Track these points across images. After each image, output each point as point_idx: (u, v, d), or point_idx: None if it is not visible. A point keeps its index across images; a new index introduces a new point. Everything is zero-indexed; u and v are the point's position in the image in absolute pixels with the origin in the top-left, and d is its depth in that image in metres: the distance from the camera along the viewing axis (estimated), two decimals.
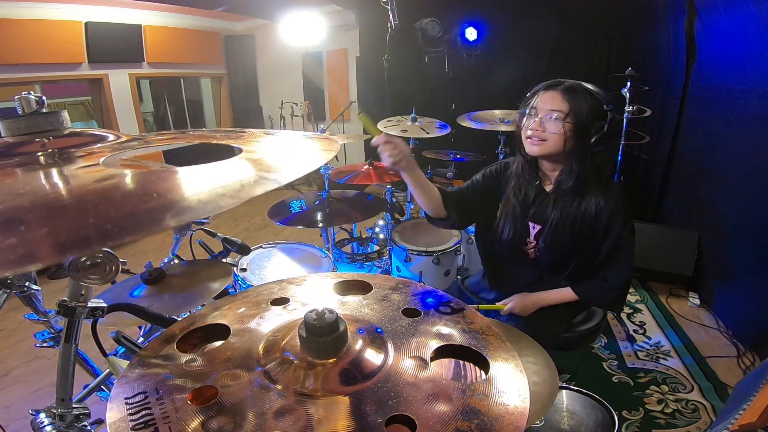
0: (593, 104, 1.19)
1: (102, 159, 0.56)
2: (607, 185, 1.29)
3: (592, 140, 1.19)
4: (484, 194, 1.46)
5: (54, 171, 0.53)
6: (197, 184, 0.47)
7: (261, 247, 2.04)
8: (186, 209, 0.39)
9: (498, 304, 1.45)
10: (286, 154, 0.64)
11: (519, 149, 1.34)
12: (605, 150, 1.23)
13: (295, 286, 0.81)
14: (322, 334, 0.57)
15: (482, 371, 0.59)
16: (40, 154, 0.59)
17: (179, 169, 0.49)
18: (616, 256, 1.30)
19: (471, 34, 3.82)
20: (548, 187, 1.34)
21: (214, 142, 0.63)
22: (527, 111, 1.26)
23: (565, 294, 1.40)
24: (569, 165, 1.25)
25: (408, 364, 0.58)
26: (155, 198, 0.42)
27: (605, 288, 1.34)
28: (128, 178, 0.47)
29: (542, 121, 1.22)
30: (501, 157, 2.64)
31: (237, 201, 0.41)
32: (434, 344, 0.62)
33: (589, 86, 1.21)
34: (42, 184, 0.50)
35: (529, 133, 1.24)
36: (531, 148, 1.25)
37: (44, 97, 0.68)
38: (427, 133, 2.48)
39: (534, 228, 1.37)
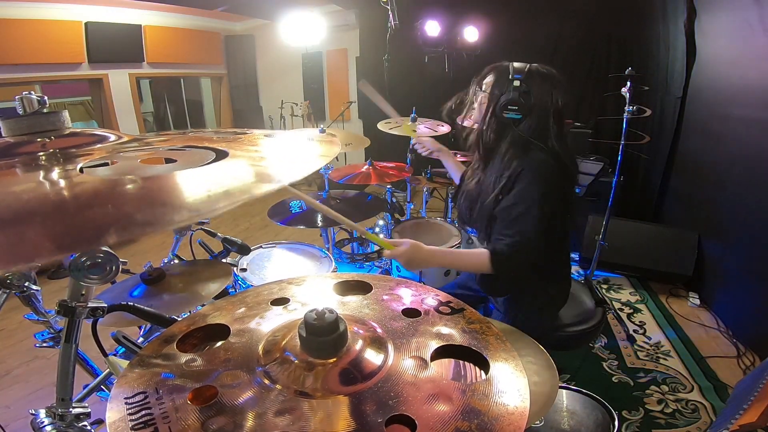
0: (502, 76, 1.31)
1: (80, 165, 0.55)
2: (531, 154, 1.26)
3: (499, 105, 1.29)
4: None
5: (55, 171, 0.53)
6: (197, 184, 0.47)
7: (261, 247, 2.04)
8: (187, 210, 0.39)
9: (387, 242, 1.25)
10: (288, 155, 0.63)
11: None
12: (525, 120, 1.27)
13: (295, 286, 0.81)
14: (322, 333, 0.57)
15: (482, 371, 0.59)
16: (41, 154, 0.59)
17: (180, 170, 0.49)
18: (512, 211, 1.22)
19: (471, 34, 3.82)
20: None
21: (209, 145, 0.62)
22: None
23: (473, 255, 1.25)
24: (480, 131, 1.38)
25: (408, 364, 0.58)
26: (155, 198, 0.42)
27: (499, 246, 1.21)
28: (128, 178, 0.47)
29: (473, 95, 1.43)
30: None
31: (237, 202, 0.41)
32: (434, 344, 0.62)
33: (513, 63, 1.33)
34: (42, 183, 0.50)
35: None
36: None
37: (45, 97, 0.68)
38: (435, 131, 2.49)
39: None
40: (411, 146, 2.68)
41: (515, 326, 1.20)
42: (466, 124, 1.47)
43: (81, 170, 0.52)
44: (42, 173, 0.52)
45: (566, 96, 1.31)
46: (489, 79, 1.35)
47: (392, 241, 1.25)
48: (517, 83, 1.27)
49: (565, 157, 1.28)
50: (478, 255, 1.22)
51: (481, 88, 1.37)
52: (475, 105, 1.40)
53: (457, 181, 1.75)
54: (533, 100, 1.26)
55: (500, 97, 1.29)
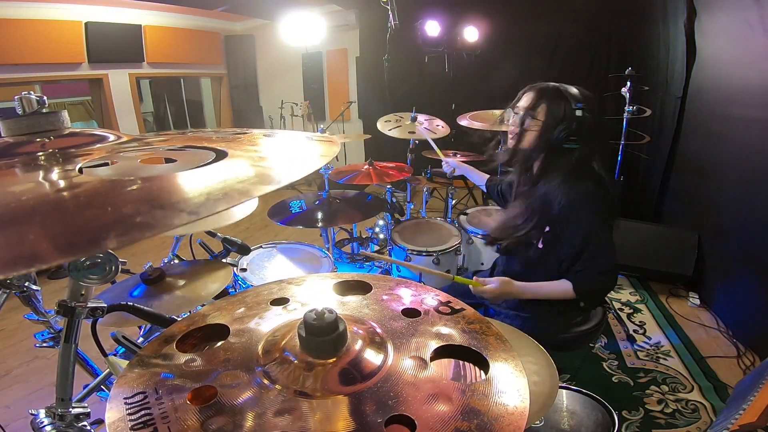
0: (561, 104, 1.27)
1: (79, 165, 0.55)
2: (578, 184, 1.29)
3: (557, 137, 1.26)
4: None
5: (54, 171, 0.53)
6: (197, 185, 0.47)
7: (261, 247, 2.04)
8: (186, 212, 0.39)
9: (475, 280, 1.35)
10: (286, 155, 0.64)
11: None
12: (582, 147, 1.27)
13: (295, 286, 0.81)
14: (322, 333, 0.57)
15: (482, 371, 0.59)
16: (40, 154, 0.59)
17: (179, 171, 0.49)
18: (587, 251, 1.28)
19: (471, 34, 3.82)
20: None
21: (208, 144, 0.62)
22: (513, 110, 1.38)
23: (557, 286, 1.34)
24: (529, 158, 1.36)
25: (408, 364, 0.58)
26: (155, 200, 0.42)
27: (582, 277, 1.31)
28: (128, 179, 0.47)
29: (518, 118, 1.34)
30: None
31: (237, 202, 0.41)
32: (434, 344, 0.62)
33: (567, 87, 1.29)
34: (42, 184, 0.50)
35: (511, 128, 1.38)
36: (510, 142, 1.38)
37: (45, 97, 0.68)
38: (434, 133, 2.49)
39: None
40: (411, 146, 2.69)
41: (522, 329, 1.19)
42: (509, 145, 1.39)
43: (80, 170, 0.52)
44: (41, 173, 0.52)
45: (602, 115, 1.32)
46: (542, 107, 1.29)
47: (481, 280, 1.34)
48: (579, 113, 1.24)
49: (609, 183, 1.31)
50: (563, 286, 1.31)
51: (530, 115, 1.30)
52: (522, 128, 1.32)
53: (483, 187, 1.90)
54: (590, 126, 1.25)
55: (558, 128, 1.25)
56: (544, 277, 1.40)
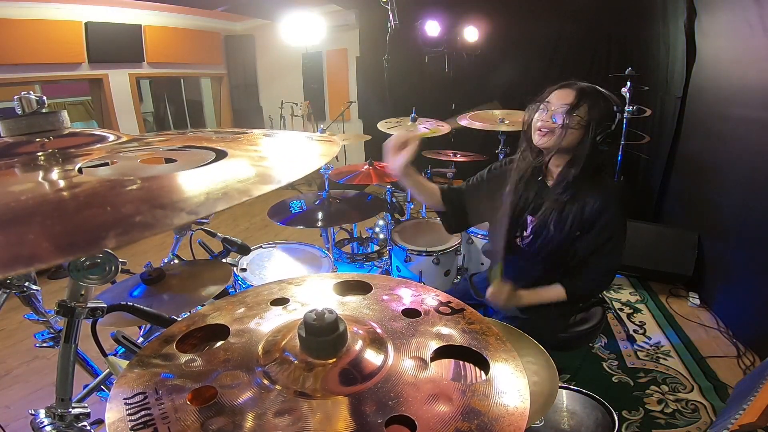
0: (603, 104, 1.25)
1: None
2: (605, 184, 1.33)
3: (598, 138, 1.24)
4: (488, 193, 1.51)
5: (54, 171, 0.53)
6: (196, 184, 0.47)
7: (261, 247, 2.04)
8: (185, 212, 0.39)
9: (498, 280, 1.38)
10: (287, 155, 0.63)
11: (527, 144, 1.39)
12: (608, 150, 1.28)
13: (295, 287, 0.81)
14: (322, 334, 0.56)
15: (482, 372, 0.59)
16: (40, 154, 0.59)
17: (179, 170, 0.49)
18: (604, 249, 1.32)
19: (471, 34, 3.82)
20: (550, 183, 1.39)
21: (209, 144, 0.62)
22: (540, 105, 1.32)
23: (551, 292, 1.38)
24: (573, 159, 1.30)
25: (408, 365, 0.58)
26: (154, 200, 0.42)
27: (590, 282, 1.37)
28: (127, 179, 0.47)
29: (553, 114, 1.28)
30: (501, 157, 2.64)
31: (236, 201, 0.41)
32: (434, 345, 0.62)
33: (602, 89, 1.28)
34: (42, 184, 0.50)
35: (539, 124, 1.30)
36: (540, 139, 1.31)
37: (45, 97, 0.68)
38: (433, 133, 2.49)
39: (531, 221, 1.41)
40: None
41: (522, 329, 1.19)
42: (541, 143, 1.30)
43: (80, 170, 0.52)
44: (41, 173, 0.52)
45: None
46: (583, 106, 1.24)
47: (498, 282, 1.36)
48: (618, 116, 1.25)
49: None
50: (557, 291, 1.36)
51: (573, 111, 1.25)
52: (560, 125, 1.26)
53: (433, 205, 1.54)
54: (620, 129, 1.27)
55: (598, 129, 1.24)
56: (544, 273, 1.41)
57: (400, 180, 1.38)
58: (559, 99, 1.28)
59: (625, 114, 2.80)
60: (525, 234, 1.43)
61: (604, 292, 2.78)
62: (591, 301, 1.52)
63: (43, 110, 0.68)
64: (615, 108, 1.26)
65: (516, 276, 1.43)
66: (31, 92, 0.67)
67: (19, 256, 0.32)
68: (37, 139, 0.64)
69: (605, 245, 1.31)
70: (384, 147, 1.31)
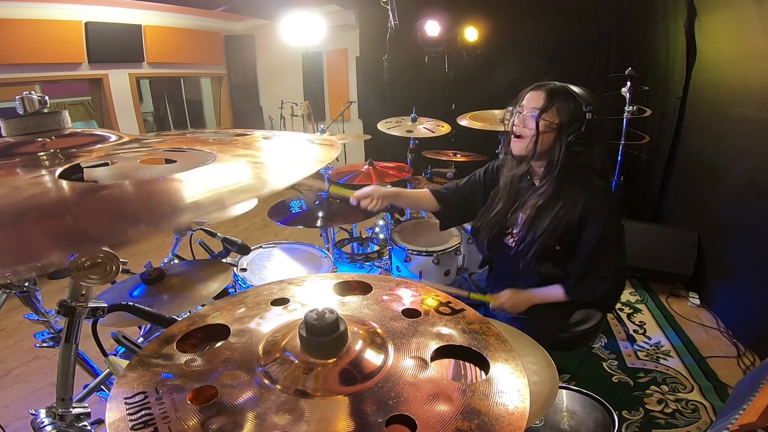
0: (572, 105, 1.24)
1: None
2: (593, 186, 1.30)
3: (570, 139, 1.24)
4: (484, 192, 1.54)
5: (56, 171, 0.53)
6: (197, 186, 0.47)
7: (261, 247, 2.04)
8: (187, 211, 0.39)
9: (489, 296, 1.45)
10: (286, 158, 0.64)
11: (506, 147, 1.41)
12: (587, 150, 1.26)
13: (295, 287, 0.81)
14: (323, 333, 0.57)
15: (482, 371, 0.59)
16: (41, 154, 0.59)
17: (180, 173, 0.49)
18: (600, 254, 1.30)
19: (471, 34, 3.82)
20: (537, 182, 1.39)
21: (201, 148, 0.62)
22: (514, 110, 1.33)
23: (555, 292, 1.39)
24: (548, 162, 1.31)
25: (408, 365, 0.58)
26: (155, 200, 0.42)
27: (590, 284, 1.35)
28: (128, 180, 0.47)
29: (524, 119, 1.29)
30: (501, 156, 2.65)
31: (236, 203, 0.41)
32: (434, 344, 0.62)
33: (574, 88, 1.27)
34: (43, 184, 0.50)
35: (514, 129, 1.33)
36: (512, 144, 1.34)
37: (46, 97, 0.68)
38: (432, 132, 2.49)
39: (520, 220, 1.42)
40: (411, 146, 2.69)
41: (522, 329, 1.19)
42: (514, 148, 1.34)
43: (81, 171, 0.52)
44: (42, 173, 0.52)
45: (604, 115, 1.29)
46: (552, 109, 1.24)
47: (492, 296, 1.42)
48: (589, 116, 1.23)
49: (610, 176, 1.32)
50: (556, 291, 1.37)
51: (540, 115, 1.25)
52: (529, 129, 1.27)
53: (430, 209, 1.60)
54: (594, 129, 1.24)
55: (569, 131, 1.23)
56: (538, 277, 1.41)
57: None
58: (529, 101, 1.28)
59: (625, 114, 2.80)
60: (514, 232, 1.43)
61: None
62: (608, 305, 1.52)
63: (45, 110, 0.68)
64: (585, 108, 1.23)
65: (508, 278, 1.45)
66: (33, 92, 0.67)
67: (20, 256, 0.32)
68: (39, 139, 0.64)
69: (600, 248, 1.29)
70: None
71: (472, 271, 2.31)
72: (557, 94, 1.25)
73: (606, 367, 2.09)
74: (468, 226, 2.26)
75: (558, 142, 1.25)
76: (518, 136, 1.31)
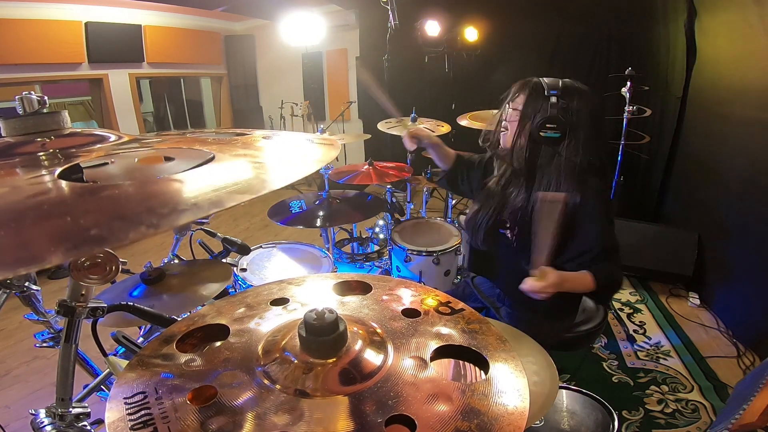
0: (536, 93, 1.25)
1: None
2: (589, 184, 1.26)
3: (537, 122, 1.24)
4: (481, 176, 1.56)
5: (55, 171, 0.53)
6: (197, 186, 0.47)
7: (261, 247, 2.04)
8: (186, 211, 0.39)
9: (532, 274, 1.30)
10: (286, 157, 0.64)
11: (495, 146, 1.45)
12: (570, 140, 1.23)
13: (295, 287, 0.81)
14: (322, 333, 0.57)
15: (482, 371, 0.59)
16: (40, 154, 0.59)
17: (180, 172, 0.49)
18: (598, 250, 1.26)
19: (471, 34, 3.82)
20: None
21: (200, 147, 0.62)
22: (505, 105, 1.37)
23: (582, 277, 1.27)
24: (527, 151, 1.31)
25: (408, 364, 0.58)
26: (156, 200, 0.42)
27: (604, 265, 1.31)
28: (128, 180, 0.47)
29: (507, 113, 1.34)
30: None
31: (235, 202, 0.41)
32: (434, 344, 0.62)
33: (545, 78, 1.28)
34: (42, 183, 0.50)
35: (502, 124, 1.37)
36: (502, 138, 1.37)
37: (46, 97, 0.68)
38: (432, 132, 2.49)
39: (514, 213, 1.40)
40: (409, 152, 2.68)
41: (527, 332, 1.16)
42: (503, 143, 1.38)
43: (81, 172, 0.52)
44: (41, 173, 0.52)
45: (602, 110, 1.28)
46: (521, 97, 1.27)
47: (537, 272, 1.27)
48: (553, 99, 1.22)
49: (610, 175, 1.30)
50: (585, 275, 1.25)
51: (510, 107, 1.30)
52: (506, 123, 1.33)
53: (444, 167, 1.68)
54: (573, 117, 1.22)
55: (535, 116, 1.23)
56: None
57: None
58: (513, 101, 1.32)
59: (625, 114, 2.80)
60: (510, 226, 1.42)
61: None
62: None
63: (44, 110, 0.68)
64: (547, 93, 1.23)
65: (498, 268, 1.43)
66: (32, 92, 0.67)
67: (20, 256, 0.32)
68: (38, 139, 0.64)
69: (595, 246, 1.25)
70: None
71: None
72: (527, 83, 1.28)
73: (606, 367, 2.09)
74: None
75: (521, 124, 1.27)
76: (506, 129, 1.35)
